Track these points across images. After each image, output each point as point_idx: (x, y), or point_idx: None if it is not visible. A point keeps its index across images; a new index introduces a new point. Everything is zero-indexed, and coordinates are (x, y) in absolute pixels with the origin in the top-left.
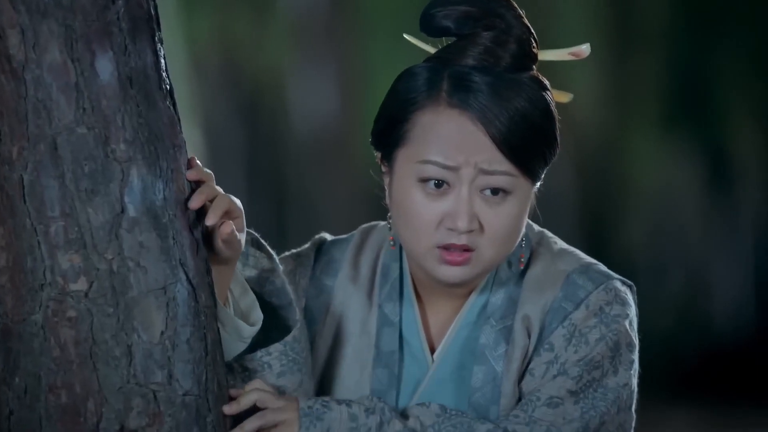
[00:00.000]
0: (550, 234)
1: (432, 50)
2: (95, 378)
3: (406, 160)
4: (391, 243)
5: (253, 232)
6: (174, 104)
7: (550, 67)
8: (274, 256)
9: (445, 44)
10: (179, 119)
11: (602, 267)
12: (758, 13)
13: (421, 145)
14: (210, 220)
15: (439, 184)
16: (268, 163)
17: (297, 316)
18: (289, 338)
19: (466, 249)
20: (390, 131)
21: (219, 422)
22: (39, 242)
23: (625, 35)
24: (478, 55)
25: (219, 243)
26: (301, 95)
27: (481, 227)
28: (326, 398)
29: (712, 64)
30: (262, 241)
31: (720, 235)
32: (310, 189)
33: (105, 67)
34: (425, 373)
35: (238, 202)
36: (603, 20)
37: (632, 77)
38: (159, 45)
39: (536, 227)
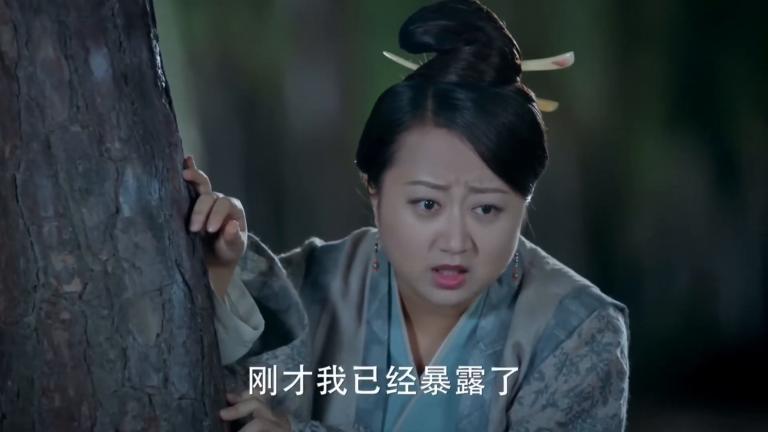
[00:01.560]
0: (542, 253)
1: (414, 66)
2: (89, 381)
3: (394, 181)
4: (375, 266)
5: (253, 236)
6: (170, 102)
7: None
8: (275, 259)
9: (426, 59)
10: (175, 117)
11: (595, 290)
12: (765, 12)
13: (409, 165)
14: (212, 227)
15: (430, 204)
16: (266, 163)
17: (305, 320)
18: (297, 342)
19: (461, 270)
20: (376, 153)
21: (215, 427)
22: (32, 243)
23: (630, 33)
24: (461, 70)
25: (222, 244)
26: (300, 93)
27: (475, 246)
28: (316, 423)
29: (719, 63)
30: (262, 244)
31: (727, 235)
32: (308, 189)
33: (99, 64)
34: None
35: (237, 203)
36: (607, 18)
37: (637, 76)
38: (154, 41)
39: (528, 244)
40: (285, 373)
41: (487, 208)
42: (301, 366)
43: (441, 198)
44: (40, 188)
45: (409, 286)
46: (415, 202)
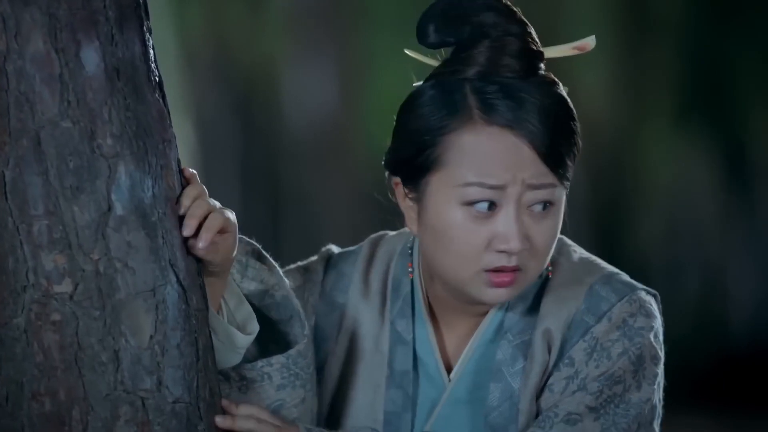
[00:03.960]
0: (569, 241)
1: (433, 62)
2: (81, 385)
3: (443, 185)
4: (410, 270)
5: (255, 243)
6: (163, 97)
7: (558, 58)
8: (277, 268)
9: (444, 54)
10: (169, 113)
11: (625, 277)
12: None
13: (460, 167)
14: (202, 243)
15: (486, 205)
16: (263, 160)
17: (305, 330)
18: (293, 352)
19: (515, 269)
20: (416, 159)
21: (210, 431)
22: (21, 242)
23: (638, 24)
24: (490, 64)
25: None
26: (298, 88)
27: (531, 245)
28: (325, 431)
29: (729, 54)
30: (264, 252)
31: (738, 233)
32: (306, 187)
33: (91, 57)
34: (441, 393)
35: (232, 216)
36: (615, 9)
37: (645, 68)
38: (148, 34)
39: None
40: (280, 381)
41: (541, 205)
42: (299, 376)
43: (497, 198)
44: (29, 186)
45: (458, 290)
46: (469, 204)
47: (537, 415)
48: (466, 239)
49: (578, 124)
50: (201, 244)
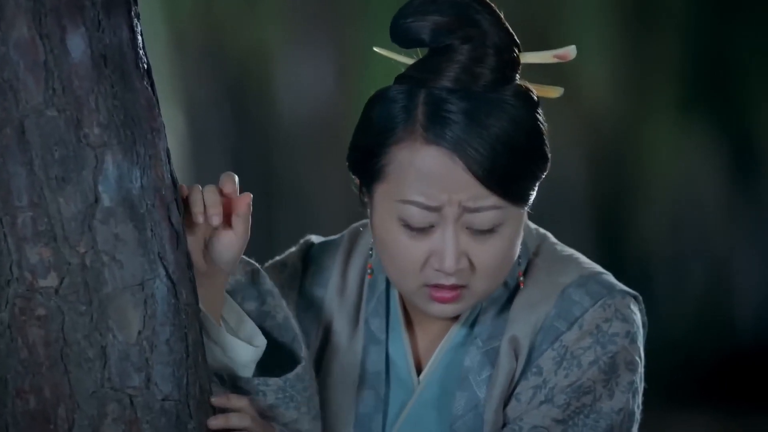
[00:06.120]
0: (552, 239)
1: (407, 60)
2: (67, 382)
3: (385, 196)
4: (369, 272)
5: (255, 263)
6: (152, 85)
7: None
8: (276, 289)
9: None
10: (158, 101)
11: (605, 277)
12: None
13: (400, 183)
14: (215, 220)
15: (423, 224)
16: (256, 151)
17: (302, 353)
18: (290, 376)
19: (455, 287)
20: (367, 163)
21: (201, 430)
22: (5, 234)
23: (643, 17)
24: (456, 74)
25: (215, 244)
26: (293, 78)
27: (471, 264)
28: None
29: (734, 46)
30: (264, 273)
31: (744, 228)
32: (301, 180)
33: (77, 44)
34: (410, 396)
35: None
36: (618, 2)
37: (649, 61)
38: (136, 20)
39: (536, 231)
40: (273, 401)
41: (484, 226)
42: (293, 398)
43: (433, 218)
44: (13, 176)
45: (406, 299)
46: (405, 221)
47: (503, 425)
48: (405, 254)
49: (543, 142)
50: (214, 222)
